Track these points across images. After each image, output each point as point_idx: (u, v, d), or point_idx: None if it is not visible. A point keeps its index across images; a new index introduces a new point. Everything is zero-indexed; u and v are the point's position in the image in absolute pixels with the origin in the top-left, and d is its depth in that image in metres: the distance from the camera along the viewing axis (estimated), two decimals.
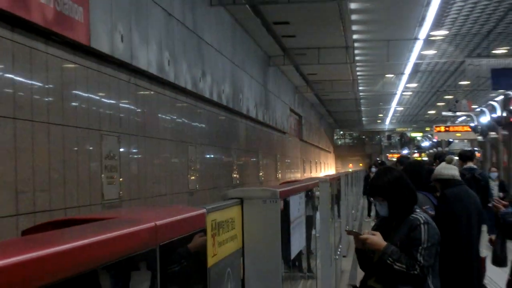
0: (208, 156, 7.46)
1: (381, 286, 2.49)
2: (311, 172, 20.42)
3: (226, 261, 2.02)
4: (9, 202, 3.24)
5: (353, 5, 9.28)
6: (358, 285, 2.65)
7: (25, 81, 3.61)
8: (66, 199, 3.88)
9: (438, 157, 6.21)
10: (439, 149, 23.11)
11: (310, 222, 3.73)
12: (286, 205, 2.63)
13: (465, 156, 6.83)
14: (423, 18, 10.45)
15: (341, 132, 33.18)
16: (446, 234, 2.88)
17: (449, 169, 3.81)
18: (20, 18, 3.38)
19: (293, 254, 2.91)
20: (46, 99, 3.87)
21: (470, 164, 6.66)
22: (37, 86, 3.75)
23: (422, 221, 2.49)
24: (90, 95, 4.51)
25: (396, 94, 22.89)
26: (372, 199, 2.88)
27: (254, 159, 11.41)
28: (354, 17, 10.33)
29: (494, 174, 11.43)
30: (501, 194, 10.15)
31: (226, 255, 2.02)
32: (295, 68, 14.28)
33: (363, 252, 2.61)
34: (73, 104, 4.24)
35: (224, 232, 2.00)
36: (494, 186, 10.30)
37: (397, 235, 2.49)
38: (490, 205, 4.36)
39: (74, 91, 4.26)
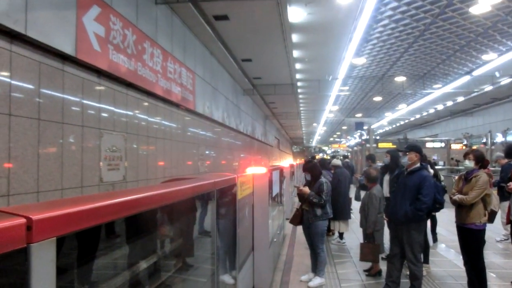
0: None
1: (308, 208, 5.51)
2: (280, 162, 33.22)
3: (246, 197, 4.92)
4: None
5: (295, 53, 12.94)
6: (298, 207, 5.77)
7: (170, 124, 8.07)
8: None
9: (333, 157, 10.10)
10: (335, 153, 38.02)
11: (281, 183, 7.07)
12: (271, 175, 5.71)
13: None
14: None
15: (295, 146, 64.58)
16: (334, 187, 6.18)
17: (336, 161, 7.55)
18: (169, 100, 7.52)
19: (273, 194, 6.04)
20: (180, 134, 8.55)
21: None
22: (174, 127, 8.28)
23: (324, 182, 5.52)
24: (196, 130, 10.07)
25: (316, 131, 44.36)
26: (304, 173, 6.01)
27: (259, 157, 21.75)
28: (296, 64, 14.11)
29: None
30: None
31: (246, 194, 4.92)
32: (263, 100, 19.33)
33: (300, 195, 5.66)
34: (188, 133, 9.42)
35: (245, 185, 4.93)
36: None
37: (314, 188, 5.50)
38: None
39: (189, 128, 9.59)
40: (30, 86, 4.26)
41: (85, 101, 5.22)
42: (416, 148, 4.75)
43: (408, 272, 5.06)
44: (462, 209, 4.63)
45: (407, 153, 4.72)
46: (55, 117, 4.61)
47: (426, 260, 5.81)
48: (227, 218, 4.19)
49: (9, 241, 0.86)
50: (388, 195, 6.06)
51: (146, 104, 7.09)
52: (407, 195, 4.51)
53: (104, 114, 5.69)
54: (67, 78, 4.88)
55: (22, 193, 4.08)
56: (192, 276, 4.00)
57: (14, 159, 3.98)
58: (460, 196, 4.60)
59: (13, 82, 3.99)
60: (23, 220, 0.92)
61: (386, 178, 6.38)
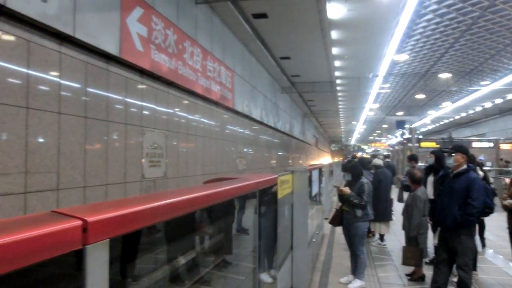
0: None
1: (348, 208, 5.40)
2: (318, 160, 34.38)
3: (286, 196, 4.88)
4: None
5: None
6: (337, 208, 5.65)
7: (209, 122, 8.21)
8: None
9: (374, 156, 9.72)
10: (375, 152, 36.46)
11: (320, 182, 6.98)
12: (310, 174, 5.64)
13: None
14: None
15: (333, 144, 64.37)
16: (375, 188, 5.98)
17: (378, 161, 7.25)
18: (208, 98, 7.55)
19: (313, 193, 5.97)
20: (219, 131, 8.68)
21: None
22: (213, 125, 8.36)
23: (365, 182, 5.37)
24: (235, 128, 10.17)
25: (356, 129, 43.14)
26: (344, 172, 5.85)
27: (297, 155, 22.35)
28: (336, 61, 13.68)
29: None
30: None
31: (286, 194, 4.89)
32: (302, 98, 19.07)
33: (340, 195, 5.55)
34: (227, 131, 9.51)
35: (285, 184, 4.90)
36: None
37: (354, 188, 5.38)
38: None
39: (228, 126, 9.62)
40: (78, 85, 4.41)
41: (128, 100, 5.36)
42: (462, 148, 4.52)
43: (454, 279, 4.85)
44: None
45: (453, 154, 4.50)
46: (100, 115, 4.76)
47: (474, 267, 5.54)
48: (267, 217, 4.16)
49: (65, 243, 0.88)
50: (432, 197, 5.82)
51: (186, 102, 7.20)
52: (455, 199, 4.30)
53: (146, 112, 5.82)
54: (112, 78, 5.02)
55: (69, 188, 4.24)
56: (231, 273, 4.01)
57: (63, 155, 4.14)
58: (511, 201, 4.34)
59: (62, 81, 4.15)
60: (79, 222, 0.93)
61: (430, 179, 6.13)
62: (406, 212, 5.45)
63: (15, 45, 3.60)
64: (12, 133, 3.54)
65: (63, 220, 0.93)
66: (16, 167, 3.60)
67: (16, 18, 3.54)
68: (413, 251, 5.25)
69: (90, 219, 0.96)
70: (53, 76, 4.04)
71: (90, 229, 0.95)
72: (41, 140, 3.88)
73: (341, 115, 29.80)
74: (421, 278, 5.51)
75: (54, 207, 4.01)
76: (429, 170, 6.27)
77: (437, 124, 36.68)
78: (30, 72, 3.73)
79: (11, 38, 3.56)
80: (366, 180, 5.40)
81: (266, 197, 4.17)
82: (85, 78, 4.53)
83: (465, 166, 4.41)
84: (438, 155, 5.96)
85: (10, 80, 3.53)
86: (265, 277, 4.40)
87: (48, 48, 3.97)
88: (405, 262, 5.39)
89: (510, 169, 19.13)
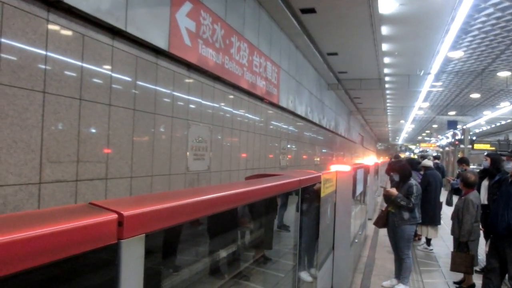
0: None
1: (394, 210, 5.20)
2: (363, 159, 33.69)
3: (329, 195, 4.78)
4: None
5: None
6: (382, 209, 5.45)
7: (254, 117, 8.23)
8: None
9: (422, 157, 9.26)
10: (423, 152, 34.14)
11: (365, 181, 6.79)
12: (355, 174, 5.50)
13: None
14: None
15: (379, 143, 63.38)
16: (424, 190, 5.70)
17: (428, 162, 6.93)
18: (254, 93, 7.60)
19: (357, 193, 5.82)
20: (263, 127, 8.79)
21: None
22: (258, 120, 8.64)
23: (414, 184, 5.15)
24: (279, 124, 10.20)
25: (404, 128, 41.91)
26: (391, 173, 5.64)
27: (342, 153, 22.37)
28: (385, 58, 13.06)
29: None
30: None
31: (329, 192, 4.79)
32: (348, 95, 18.63)
33: (387, 197, 5.36)
34: (271, 127, 9.53)
35: (328, 183, 4.81)
36: None
37: (402, 189, 5.17)
38: None
39: (272, 121, 9.64)
40: (128, 78, 4.54)
41: (175, 93, 5.46)
42: None
43: None
44: None
45: None
46: (148, 107, 4.88)
47: None
48: (309, 215, 4.10)
49: (100, 237, 0.86)
50: (486, 202, 5.50)
51: (231, 97, 7.24)
52: (510, 206, 4.02)
53: (192, 106, 5.91)
54: (160, 71, 5.13)
55: (117, 178, 4.39)
56: (270, 269, 3.98)
57: (112, 145, 4.29)
58: None
59: (113, 74, 4.28)
60: (114, 216, 0.91)
61: (485, 183, 5.78)
62: (457, 217, 5.17)
63: (71, 39, 3.75)
64: (66, 123, 3.70)
65: (99, 213, 0.91)
66: (69, 155, 3.76)
67: (72, 13, 3.69)
68: (463, 258, 4.98)
69: (126, 213, 0.94)
70: (105, 69, 4.19)
71: (126, 223, 0.93)
72: (92, 130, 4.03)
73: (388, 113, 28.90)
74: (471, 287, 5.22)
75: (102, 195, 4.17)
76: (483, 173, 5.92)
77: (493, 126, 34.67)
78: (84, 65, 3.88)
79: (68, 32, 3.71)
80: (415, 181, 5.18)
81: (309, 194, 4.10)
82: (135, 72, 4.66)
83: None
84: (495, 158, 5.61)
85: (66, 72, 3.69)
86: (305, 275, 4.34)
87: (101, 42, 4.11)
88: (454, 268, 5.12)
89: None
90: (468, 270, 5.05)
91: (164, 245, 1.35)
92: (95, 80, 4.06)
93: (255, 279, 3.23)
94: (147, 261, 1.01)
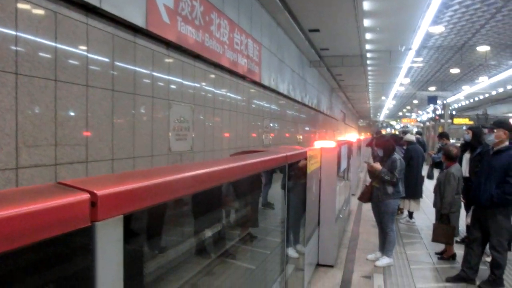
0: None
1: (379, 185, 5.25)
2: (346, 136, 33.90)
3: (314, 171, 4.79)
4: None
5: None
6: (367, 184, 5.51)
7: (236, 96, 8.14)
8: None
9: (404, 132, 9.38)
10: (404, 128, 35.60)
11: (349, 158, 6.82)
12: (339, 150, 5.51)
13: None
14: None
15: (361, 120, 64.44)
16: (406, 164, 5.77)
17: (410, 137, 7.05)
18: (235, 71, 7.43)
19: (340, 169, 5.85)
20: (245, 106, 7.96)
21: None
22: (240, 99, 8.35)
23: (398, 158, 5.18)
24: (261, 103, 10.06)
25: (385, 104, 42.39)
26: (375, 147, 5.66)
27: (324, 130, 22.20)
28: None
29: None
30: None
31: (314, 169, 4.79)
32: (330, 73, 18.68)
33: (371, 172, 5.40)
34: (253, 106, 9.42)
35: (313, 159, 4.81)
36: None
37: (386, 164, 5.20)
38: None
39: (254, 100, 9.45)
40: (105, 58, 4.39)
41: (155, 73, 5.32)
42: (505, 124, 4.27)
43: (487, 259, 4.69)
44: None
45: (495, 130, 4.25)
46: (127, 88, 4.75)
47: (508, 247, 5.33)
48: (295, 192, 4.09)
49: (71, 219, 0.76)
50: (467, 175, 5.59)
51: (212, 75, 7.11)
52: (492, 177, 4.09)
53: (173, 86, 5.78)
54: (138, 50, 4.97)
55: (98, 160, 4.28)
56: (257, 247, 3.99)
57: (91, 128, 4.17)
58: None
59: (89, 54, 4.13)
60: (86, 196, 0.82)
61: (466, 156, 5.87)
62: (439, 190, 5.26)
63: (43, 17, 3.58)
64: (41, 105, 3.56)
65: (69, 193, 0.81)
66: (46, 139, 3.64)
67: None
68: (444, 229, 5.09)
69: (100, 192, 0.84)
70: (80, 48, 4.03)
71: (101, 204, 0.83)
72: (69, 112, 3.90)
73: (370, 90, 29.08)
74: (452, 257, 5.36)
75: None
76: (465, 147, 6.00)
77: (471, 100, 35.32)
78: (58, 45, 3.72)
79: (39, 10, 3.53)
80: (398, 156, 5.22)
81: (295, 171, 4.08)
82: (112, 51, 4.50)
83: (507, 143, 4.17)
84: (476, 131, 5.68)
85: (39, 52, 3.53)
86: (291, 252, 4.37)
87: (75, 20, 3.93)
88: (436, 239, 5.24)
89: None
90: (449, 241, 5.18)
91: (146, 227, 1.28)
92: (70, 60, 3.90)
93: (241, 257, 3.22)
94: (127, 245, 0.92)
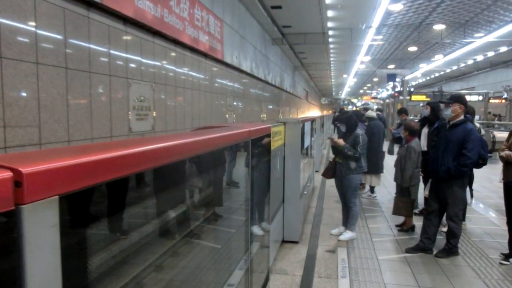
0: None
1: (342, 161, 5.33)
2: (308, 114, 34.55)
3: (278, 148, 4.76)
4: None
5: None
6: (330, 160, 5.60)
7: (198, 74, 7.87)
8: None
9: (365, 109, 9.67)
10: (365, 105, 36.52)
11: (312, 134, 6.91)
12: (303, 126, 5.52)
13: None
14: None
15: (323, 98, 64.67)
16: (368, 140, 5.88)
17: (371, 113, 7.26)
18: (197, 49, 7.23)
19: (304, 146, 5.89)
20: (208, 84, 7.55)
21: None
22: (202, 77, 8.12)
23: (360, 134, 5.27)
24: (224, 81, 9.80)
25: (346, 82, 42.45)
26: (337, 123, 5.73)
27: (287, 108, 22.27)
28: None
29: None
30: None
31: (278, 145, 4.76)
32: (293, 51, 18.56)
33: (334, 147, 5.47)
34: (216, 84, 9.06)
35: (277, 136, 4.77)
36: None
37: (349, 140, 5.29)
38: None
39: (217, 79, 9.21)
40: (56, 34, 4.12)
41: (111, 50, 5.07)
42: (460, 99, 4.41)
43: (443, 229, 4.90)
44: (510, 166, 4.32)
45: (450, 105, 4.38)
46: (82, 65, 4.50)
47: (463, 217, 5.61)
48: (259, 169, 4.06)
49: None
50: (425, 149, 5.78)
51: (173, 53, 6.89)
52: (449, 150, 4.24)
53: (131, 64, 5.55)
54: (93, 26, 4.70)
55: (53, 142, 4.07)
56: (222, 226, 3.95)
57: (44, 108, 3.93)
58: (508, 152, 4.29)
59: (38, 30, 3.85)
60: (9, 174, 0.68)
61: (425, 131, 6.06)
62: (400, 164, 5.41)
63: None
64: None
65: None
66: None
67: None
68: (404, 202, 5.28)
69: (26, 170, 0.70)
70: (27, 24, 3.74)
71: (27, 184, 0.69)
72: (18, 92, 3.65)
73: (332, 68, 29.39)
74: (411, 229, 5.58)
75: None
76: (423, 122, 6.19)
77: (428, 78, 36.54)
78: (0, 19, 3.43)
79: None
80: (361, 131, 5.30)
81: (258, 148, 4.04)
82: (64, 26, 4.23)
83: (462, 117, 4.32)
84: (434, 106, 5.86)
85: None
86: (256, 229, 4.37)
87: None
88: (396, 212, 5.43)
89: (499, 122, 19.26)
90: (409, 213, 5.37)
91: (91, 210, 1.14)
92: (16, 36, 3.62)
93: (206, 237, 3.18)
94: (64, 232, 0.78)
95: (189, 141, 1.68)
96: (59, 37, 4.16)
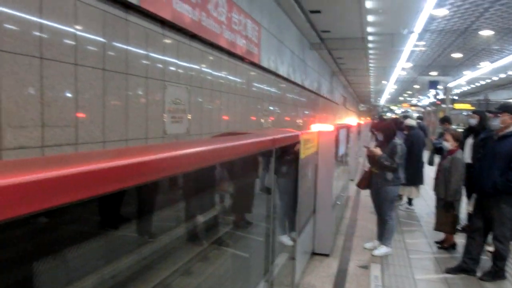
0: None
1: (378, 171, 5.09)
2: (345, 120, 32.57)
3: (310, 156, 4.56)
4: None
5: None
6: (366, 170, 5.35)
7: (234, 78, 8.01)
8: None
9: (405, 117, 9.31)
10: (405, 113, 35.00)
11: (348, 141, 6.72)
12: (338, 133, 5.31)
13: None
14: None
15: (361, 104, 62.92)
16: (407, 150, 5.57)
17: (411, 121, 7.01)
18: (233, 53, 7.34)
19: (339, 154, 5.69)
20: (244, 88, 8.62)
21: None
22: (238, 81, 8.26)
23: (399, 143, 5.00)
24: (260, 85, 9.80)
25: (386, 89, 41.33)
26: (376, 132, 5.48)
27: (325, 114, 21.66)
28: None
29: None
30: None
31: (310, 153, 4.57)
32: (331, 56, 18.41)
33: (371, 157, 5.23)
34: (252, 88, 9.20)
35: (309, 143, 4.57)
36: None
37: (386, 149, 5.03)
38: None
39: (253, 83, 9.26)
40: (95, 36, 4.18)
41: (149, 52, 5.11)
42: (510, 108, 4.09)
43: (489, 249, 4.57)
44: None
45: (499, 115, 4.08)
46: (119, 67, 4.55)
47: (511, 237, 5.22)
48: (287, 177, 3.92)
49: None
50: (469, 161, 5.44)
51: (210, 56, 6.89)
52: (496, 164, 3.94)
53: (168, 66, 5.57)
54: (131, 28, 4.76)
55: (89, 142, 4.12)
56: (250, 234, 3.85)
57: (81, 108, 3.99)
58: None
59: (78, 31, 3.92)
60: None
61: (469, 141, 5.70)
62: (443, 176, 5.03)
63: None
64: (26, 84, 3.38)
65: None
66: (32, 120, 3.47)
67: None
68: (448, 217, 4.93)
69: None
70: (68, 25, 3.81)
71: None
72: (57, 92, 3.71)
73: (371, 74, 28.76)
74: (452, 247, 5.25)
75: None
76: (468, 132, 5.83)
77: (473, 86, 35.02)
78: (43, 20, 3.51)
79: None
80: (400, 141, 5.05)
81: (286, 156, 3.89)
82: (103, 28, 4.29)
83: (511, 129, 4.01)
84: (482, 115, 5.49)
85: (20, 28, 3.32)
86: (285, 239, 4.24)
87: None
88: (439, 228, 5.10)
89: None
90: (452, 230, 5.04)
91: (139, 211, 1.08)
92: (57, 37, 3.69)
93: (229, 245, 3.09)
94: None
95: (198, 151, 1.55)
96: (97, 38, 4.22)
